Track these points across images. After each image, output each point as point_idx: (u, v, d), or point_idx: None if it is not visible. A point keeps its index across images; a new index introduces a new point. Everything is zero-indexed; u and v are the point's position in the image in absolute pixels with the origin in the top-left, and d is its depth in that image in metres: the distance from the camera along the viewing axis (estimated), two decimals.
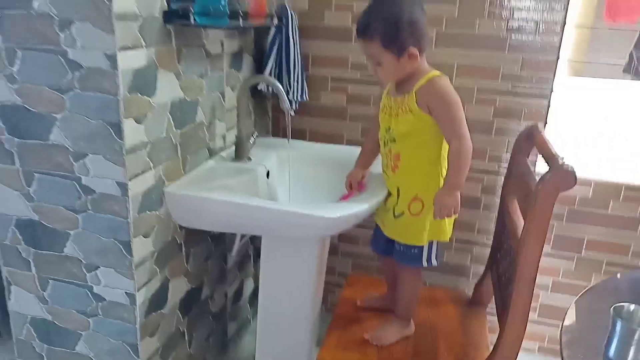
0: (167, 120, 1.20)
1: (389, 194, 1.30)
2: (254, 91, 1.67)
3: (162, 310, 1.28)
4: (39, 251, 1.20)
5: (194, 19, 1.14)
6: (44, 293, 1.24)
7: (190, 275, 1.41)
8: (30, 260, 1.21)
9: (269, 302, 1.44)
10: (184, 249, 1.35)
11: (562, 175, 1.05)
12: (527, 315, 1.12)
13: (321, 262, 1.43)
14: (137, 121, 1.08)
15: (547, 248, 1.75)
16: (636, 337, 0.87)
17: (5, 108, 1.09)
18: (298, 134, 1.84)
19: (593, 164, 1.71)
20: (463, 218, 1.77)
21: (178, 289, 1.35)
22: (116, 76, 1.00)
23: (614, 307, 0.91)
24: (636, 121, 1.69)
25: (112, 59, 0.99)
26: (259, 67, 1.65)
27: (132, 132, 1.07)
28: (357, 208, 1.21)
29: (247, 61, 1.60)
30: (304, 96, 1.72)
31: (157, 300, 1.26)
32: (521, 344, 1.14)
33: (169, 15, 1.13)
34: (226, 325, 1.71)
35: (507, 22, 1.58)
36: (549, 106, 1.65)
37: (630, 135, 1.69)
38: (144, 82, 1.09)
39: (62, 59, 1.02)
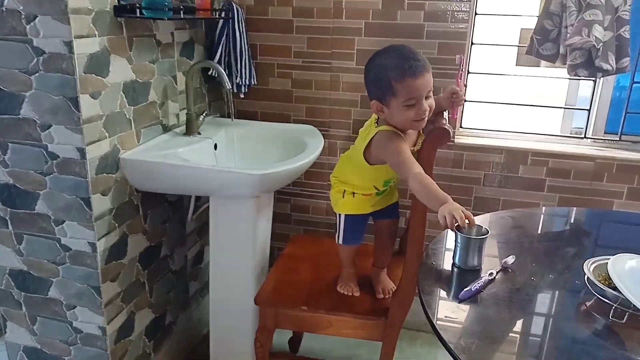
0: (121, 97, 1.43)
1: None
2: (209, 77, 1.90)
3: (121, 260, 1.51)
4: (15, 210, 1.43)
5: (141, 13, 1.38)
6: (20, 247, 1.46)
7: (148, 234, 1.64)
8: (7, 219, 1.44)
9: (218, 257, 1.67)
10: (141, 210, 1.58)
11: (440, 132, 1.29)
12: (421, 252, 1.36)
13: (260, 220, 1.66)
14: (93, 97, 1.32)
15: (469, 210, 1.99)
16: (471, 245, 1.11)
17: None
18: (250, 115, 2.07)
19: (504, 133, 1.96)
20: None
21: (136, 244, 1.58)
22: (73, 59, 1.23)
23: (456, 226, 1.15)
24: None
25: (69, 45, 1.22)
26: (210, 56, 1.88)
27: (88, 106, 1.30)
28: (280, 168, 1.45)
29: (199, 50, 1.84)
30: (252, 81, 1.95)
31: (117, 251, 1.49)
32: (417, 277, 1.38)
33: (119, 10, 1.36)
34: (187, 284, 1.95)
35: (424, 12, 1.82)
36: (465, 84, 1.89)
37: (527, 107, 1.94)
38: (97, 65, 1.32)
39: (29, 47, 1.25)
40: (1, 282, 1.53)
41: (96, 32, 1.30)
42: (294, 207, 2.18)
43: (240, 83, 1.92)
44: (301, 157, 1.56)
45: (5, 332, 1.59)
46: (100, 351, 1.51)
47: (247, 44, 1.91)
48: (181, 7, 1.47)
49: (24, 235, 1.45)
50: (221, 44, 1.86)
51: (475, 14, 1.87)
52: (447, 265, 1.16)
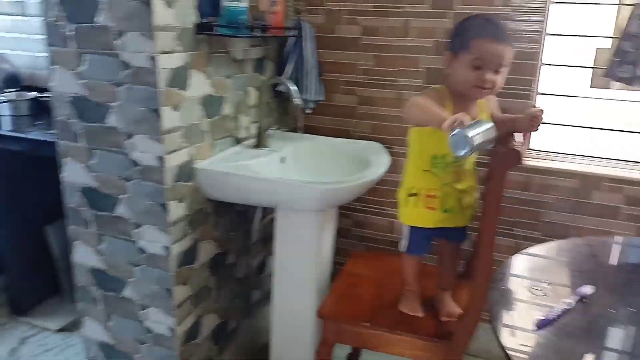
0: (198, 110, 1.50)
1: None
2: (278, 92, 1.96)
3: (192, 265, 1.58)
4: (97, 212, 1.52)
5: (219, 31, 1.45)
6: (100, 247, 1.56)
7: (218, 241, 1.70)
8: (91, 220, 1.54)
9: (282, 269, 1.70)
10: (212, 218, 1.65)
11: (511, 155, 1.27)
12: (490, 276, 1.33)
13: (324, 234, 1.68)
14: (174, 109, 1.39)
15: (537, 235, 1.94)
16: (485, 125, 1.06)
17: (74, 99, 1.43)
18: (315, 130, 2.11)
19: (577, 157, 1.89)
20: None
21: (207, 250, 1.64)
22: (157, 73, 1.32)
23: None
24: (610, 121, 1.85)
25: (153, 60, 1.31)
26: (280, 72, 1.94)
27: (169, 117, 1.38)
28: (346, 183, 1.47)
29: (270, 66, 1.90)
30: (319, 97, 2.00)
31: (189, 256, 1.55)
32: (485, 305, 1.34)
33: (199, 27, 1.44)
34: (249, 292, 1.99)
35: None
36: (534, 106, 1.85)
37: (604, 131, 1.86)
38: (179, 79, 1.40)
39: (117, 60, 1.34)
40: (81, 279, 1.63)
41: (179, 48, 1.38)
42: (356, 222, 2.19)
43: (308, 99, 1.96)
44: (368, 174, 1.57)
45: (83, 327, 1.69)
46: (168, 351, 1.57)
47: (317, 61, 1.96)
48: (255, 25, 1.53)
49: (105, 237, 1.54)
50: (291, 61, 1.91)
51: (546, 34, 1.83)
52: (518, 291, 1.13)
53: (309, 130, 2.10)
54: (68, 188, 1.54)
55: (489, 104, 1.42)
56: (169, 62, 1.35)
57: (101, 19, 1.32)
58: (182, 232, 1.50)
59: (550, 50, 1.86)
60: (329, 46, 2.02)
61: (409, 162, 1.44)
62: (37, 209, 2.15)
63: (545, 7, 1.75)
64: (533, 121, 1.35)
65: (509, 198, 1.93)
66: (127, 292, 1.57)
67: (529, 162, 1.91)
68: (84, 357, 1.72)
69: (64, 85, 1.43)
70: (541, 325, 0.94)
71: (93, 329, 1.67)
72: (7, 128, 2.04)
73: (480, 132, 1.05)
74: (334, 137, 2.03)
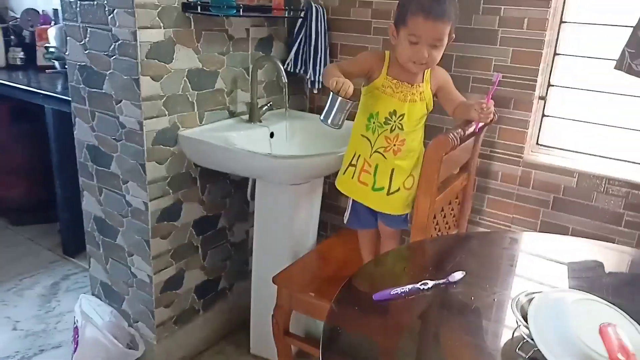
0: (184, 82, 1.65)
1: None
2: (291, 73, 2.05)
3: (174, 222, 1.75)
4: (98, 167, 1.75)
5: (206, 10, 1.58)
6: (100, 198, 1.79)
7: (205, 204, 1.85)
8: (93, 174, 1.78)
9: (260, 237, 1.82)
10: (199, 182, 1.80)
11: (439, 141, 1.27)
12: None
13: (302, 208, 1.77)
14: (154, 79, 1.56)
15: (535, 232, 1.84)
16: (338, 104, 1.30)
17: (81, 67, 1.65)
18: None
19: (580, 156, 1.76)
20: None
21: (191, 211, 1.81)
22: (137, 47, 1.48)
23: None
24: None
25: (134, 35, 1.47)
26: (289, 52, 2.03)
27: (148, 87, 1.54)
28: (311, 160, 1.55)
29: (278, 46, 2.00)
30: None
31: (170, 214, 1.73)
32: None
33: (186, 6, 1.58)
34: (247, 258, 2.13)
35: (499, 18, 1.73)
36: (539, 96, 1.76)
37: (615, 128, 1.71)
38: (161, 52, 1.55)
39: (110, 34, 1.53)
40: (88, 225, 1.89)
41: (161, 24, 1.53)
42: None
43: (314, 79, 2.03)
44: (337, 151, 1.62)
45: (90, 267, 1.95)
46: (147, 296, 1.77)
47: (325, 42, 2.02)
48: (241, 5, 1.63)
49: (103, 189, 1.77)
50: (299, 42, 1.99)
51: (561, 21, 1.72)
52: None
53: (319, 110, 2.16)
54: (78, 144, 1.79)
55: (435, 75, 1.42)
56: (149, 37, 1.51)
57: None
58: (161, 191, 1.67)
59: (568, 40, 1.74)
60: (343, 29, 2.07)
61: (353, 125, 1.50)
62: None
63: None
64: (482, 112, 1.33)
65: (506, 192, 1.86)
66: (119, 240, 1.79)
67: (530, 156, 1.82)
68: (90, 293, 1.99)
69: (74, 54, 1.67)
70: (378, 297, 0.96)
71: (96, 270, 1.93)
72: None
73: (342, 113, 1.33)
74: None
